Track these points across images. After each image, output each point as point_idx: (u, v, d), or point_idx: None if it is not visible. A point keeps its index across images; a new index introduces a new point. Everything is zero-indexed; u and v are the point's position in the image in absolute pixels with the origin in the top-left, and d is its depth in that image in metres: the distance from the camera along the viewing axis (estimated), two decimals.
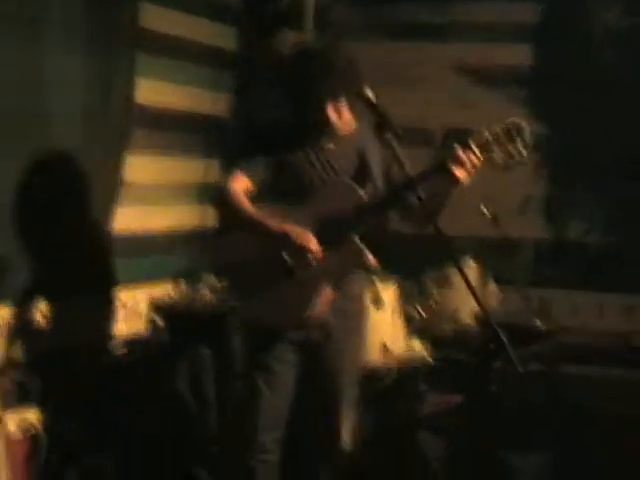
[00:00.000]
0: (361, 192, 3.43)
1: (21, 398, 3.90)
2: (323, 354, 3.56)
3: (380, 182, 3.54)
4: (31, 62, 3.94)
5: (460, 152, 3.33)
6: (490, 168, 3.37)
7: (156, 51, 4.73)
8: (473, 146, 3.33)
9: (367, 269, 3.52)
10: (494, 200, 5.03)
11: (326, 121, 3.49)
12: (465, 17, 5.60)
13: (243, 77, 5.48)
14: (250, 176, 3.51)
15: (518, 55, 5.55)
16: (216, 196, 3.59)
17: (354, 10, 5.70)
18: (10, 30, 3.79)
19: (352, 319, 3.62)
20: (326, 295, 3.46)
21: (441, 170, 3.36)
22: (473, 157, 3.32)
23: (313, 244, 3.38)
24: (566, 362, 4.09)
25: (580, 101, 5.43)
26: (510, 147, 3.32)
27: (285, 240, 3.38)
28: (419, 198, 3.30)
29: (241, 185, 3.51)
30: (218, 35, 5.29)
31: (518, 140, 3.30)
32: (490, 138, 3.33)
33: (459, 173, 3.33)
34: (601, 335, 5.12)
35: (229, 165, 3.70)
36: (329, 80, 3.41)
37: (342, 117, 3.52)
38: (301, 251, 3.38)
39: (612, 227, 5.47)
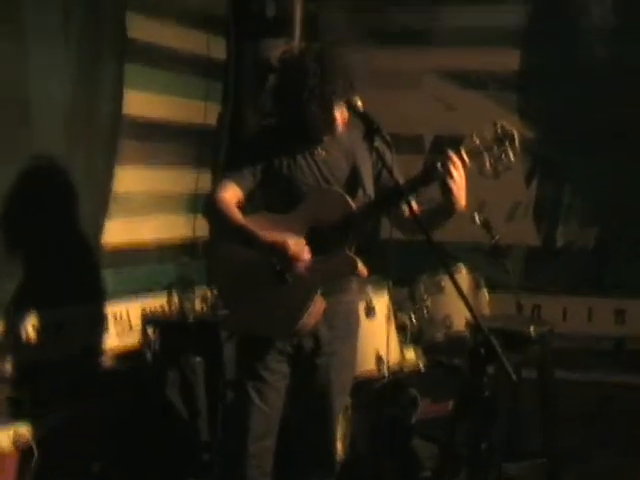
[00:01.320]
0: (351, 202, 3.41)
1: (13, 412, 3.88)
2: (315, 364, 3.55)
3: (370, 189, 3.53)
4: (17, 74, 3.94)
5: (449, 159, 3.31)
6: (480, 175, 3.35)
7: (144, 62, 4.73)
8: (462, 152, 3.32)
9: (358, 277, 3.49)
10: (485, 206, 5.07)
11: (332, 123, 3.45)
12: (451, 22, 5.62)
13: (232, 86, 5.49)
14: (240, 185, 3.49)
15: (506, 60, 5.57)
16: (206, 206, 3.57)
17: (341, 17, 5.72)
18: None
19: (344, 328, 3.59)
20: (317, 305, 3.44)
21: (430, 178, 3.35)
22: (462, 164, 3.31)
23: (305, 253, 3.37)
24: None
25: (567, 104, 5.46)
26: (499, 153, 3.30)
27: (275, 251, 3.36)
28: (408, 205, 3.29)
29: (231, 194, 3.48)
30: (206, 45, 5.28)
31: (507, 146, 3.30)
32: (479, 144, 3.31)
33: (449, 181, 3.32)
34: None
35: (219, 174, 3.68)
36: (342, 79, 3.37)
37: (341, 121, 3.49)
38: (291, 260, 3.37)
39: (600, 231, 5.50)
